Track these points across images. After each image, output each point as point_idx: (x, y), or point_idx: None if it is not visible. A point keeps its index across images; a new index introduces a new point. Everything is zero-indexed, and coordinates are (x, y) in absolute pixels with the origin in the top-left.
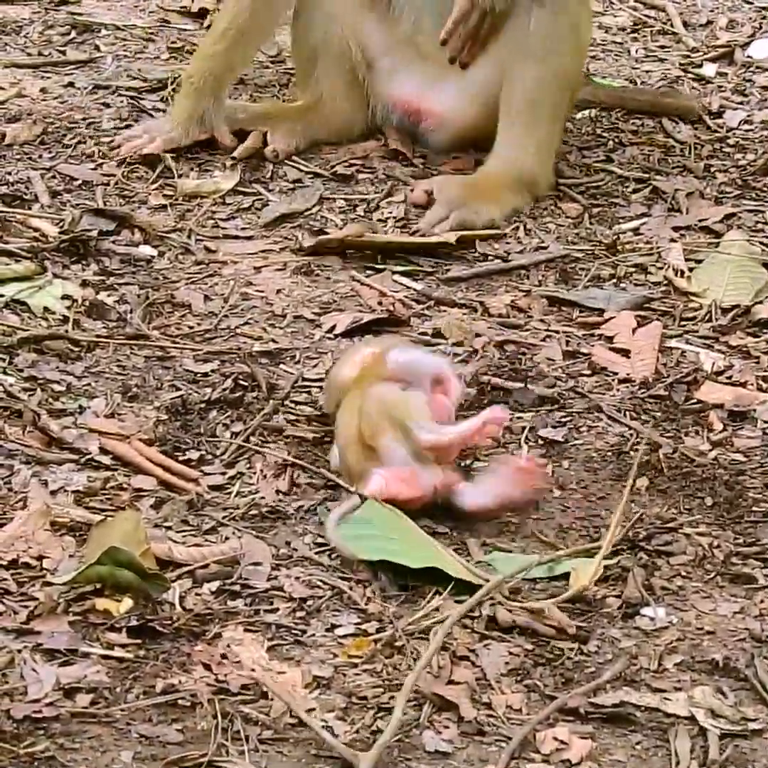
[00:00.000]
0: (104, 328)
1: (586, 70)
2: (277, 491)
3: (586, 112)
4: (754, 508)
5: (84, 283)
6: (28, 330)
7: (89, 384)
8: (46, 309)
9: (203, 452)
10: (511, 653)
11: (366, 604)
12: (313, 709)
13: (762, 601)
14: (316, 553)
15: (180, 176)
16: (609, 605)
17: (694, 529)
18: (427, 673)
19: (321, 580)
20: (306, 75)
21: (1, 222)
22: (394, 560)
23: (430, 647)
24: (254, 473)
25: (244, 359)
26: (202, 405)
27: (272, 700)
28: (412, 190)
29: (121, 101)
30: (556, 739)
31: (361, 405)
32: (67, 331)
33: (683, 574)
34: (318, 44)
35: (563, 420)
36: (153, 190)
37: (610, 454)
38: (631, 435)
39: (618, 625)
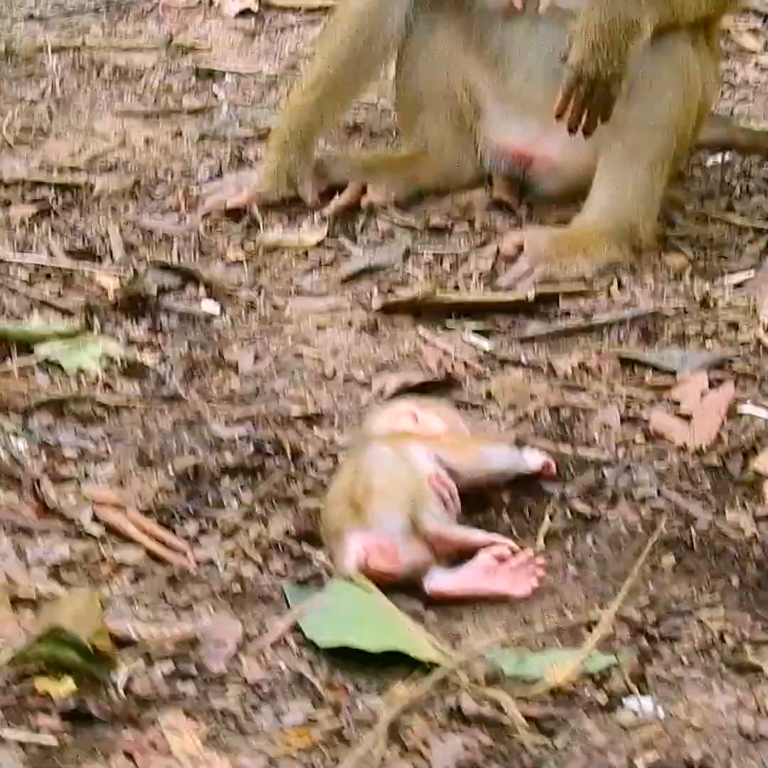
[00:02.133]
0: (141, 389)
1: (730, 113)
2: (268, 568)
3: (719, 156)
4: None
5: (130, 342)
6: (49, 393)
7: (105, 450)
8: (80, 370)
9: (203, 523)
10: (466, 747)
11: (325, 690)
12: None
13: (764, 695)
14: (290, 634)
15: (265, 229)
16: (590, 696)
17: (710, 613)
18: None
19: (284, 664)
20: (410, 122)
21: (65, 277)
22: (354, 645)
23: (369, 737)
24: (249, 547)
25: (278, 423)
26: (217, 472)
27: None
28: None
29: (225, 151)
30: None
31: (360, 461)
32: (92, 394)
33: (685, 662)
34: (423, 91)
35: (600, 491)
36: (233, 244)
37: (640, 529)
38: (671, 508)
39: (596, 717)
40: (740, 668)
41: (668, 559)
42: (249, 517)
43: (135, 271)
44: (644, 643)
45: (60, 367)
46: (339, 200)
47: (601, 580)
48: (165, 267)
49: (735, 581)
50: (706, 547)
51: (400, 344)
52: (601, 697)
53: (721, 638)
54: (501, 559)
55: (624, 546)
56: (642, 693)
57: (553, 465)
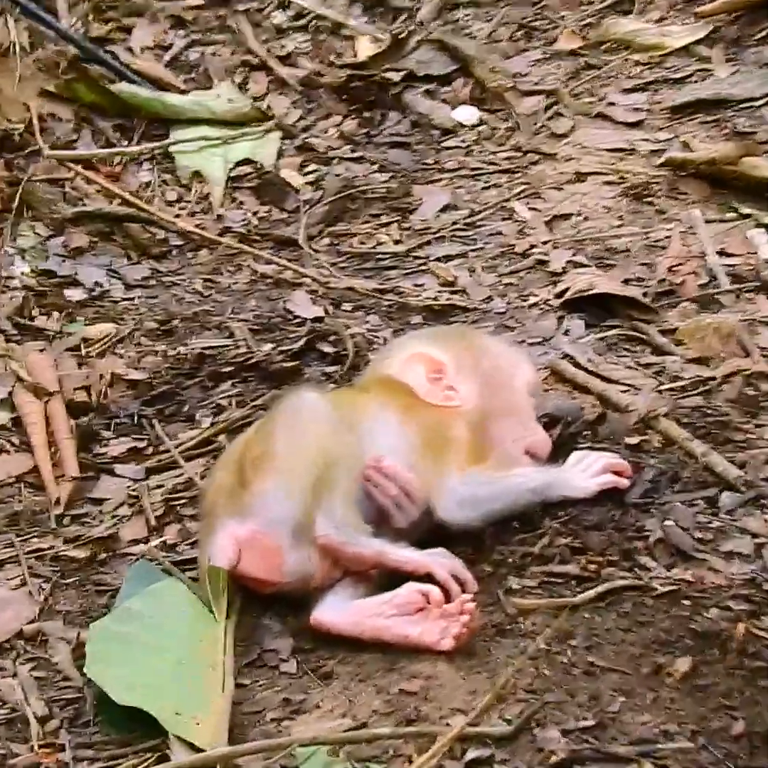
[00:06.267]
0: (255, 220)
1: None
2: (159, 532)
3: None
4: None
5: (302, 148)
6: (115, 204)
7: (133, 301)
8: (196, 175)
9: (140, 442)
10: None
11: (35, 747)
12: None
13: None
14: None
15: (626, 14)
16: None
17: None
18: None
19: (21, 691)
20: None
21: (319, 31)
22: (101, 685)
23: None
24: (157, 497)
25: (385, 312)
26: (229, 368)
27: None
28: None
29: None
30: None
31: (279, 409)
32: (173, 217)
33: None
34: None
35: (698, 531)
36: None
37: (685, 605)
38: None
39: None
40: None
41: (683, 664)
42: (202, 446)
43: (397, 38)
44: None
45: (171, 166)
46: None
47: (562, 670)
48: (443, 46)
49: (738, 725)
50: (744, 660)
51: (654, 224)
52: None
53: None
54: (430, 599)
55: (650, 624)
56: None
57: (623, 483)
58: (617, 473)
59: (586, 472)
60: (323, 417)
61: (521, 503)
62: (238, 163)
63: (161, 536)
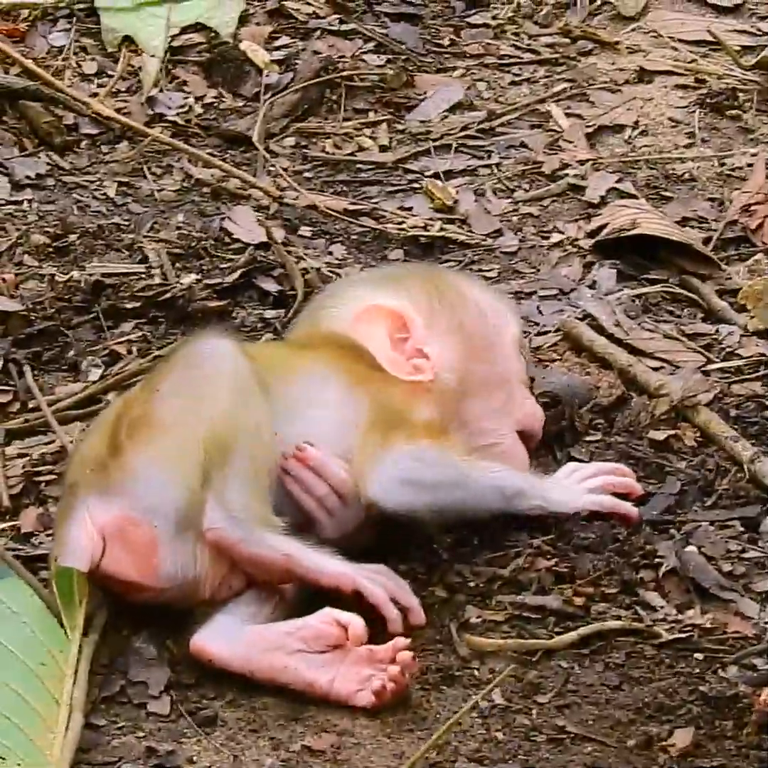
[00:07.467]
0: (207, 113)
1: None
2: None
3: None
4: None
5: (275, 14)
6: None
7: (20, 205)
8: (126, 41)
9: (3, 397)
10: None
11: None
12: None
13: None
14: None
15: None
16: None
17: None
18: None
19: None
20: None
21: None
22: None
23: None
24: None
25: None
26: (130, 305)
27: None
28: None
29: None
30: None
31: (159, 371)
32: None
33: None
34: None
35: (727, 563)
36: None
37: (697, 658)
38: None
39: None
40: None
41: (683, 737)
42: (84, 405)
43: None
44: None
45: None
46: None
47: (521, 735)
48: None
49: None
50: (764, 737)
51: (735, 146)
52: None
53: None
54: (350, 634)
55: (635, 681)
56: None
57: (626, 510)
58: (622, 495)
59: (579, 484)
60: (232, 373)
61: (482, 503)
62: (185, 29)
63: (14, 521)
